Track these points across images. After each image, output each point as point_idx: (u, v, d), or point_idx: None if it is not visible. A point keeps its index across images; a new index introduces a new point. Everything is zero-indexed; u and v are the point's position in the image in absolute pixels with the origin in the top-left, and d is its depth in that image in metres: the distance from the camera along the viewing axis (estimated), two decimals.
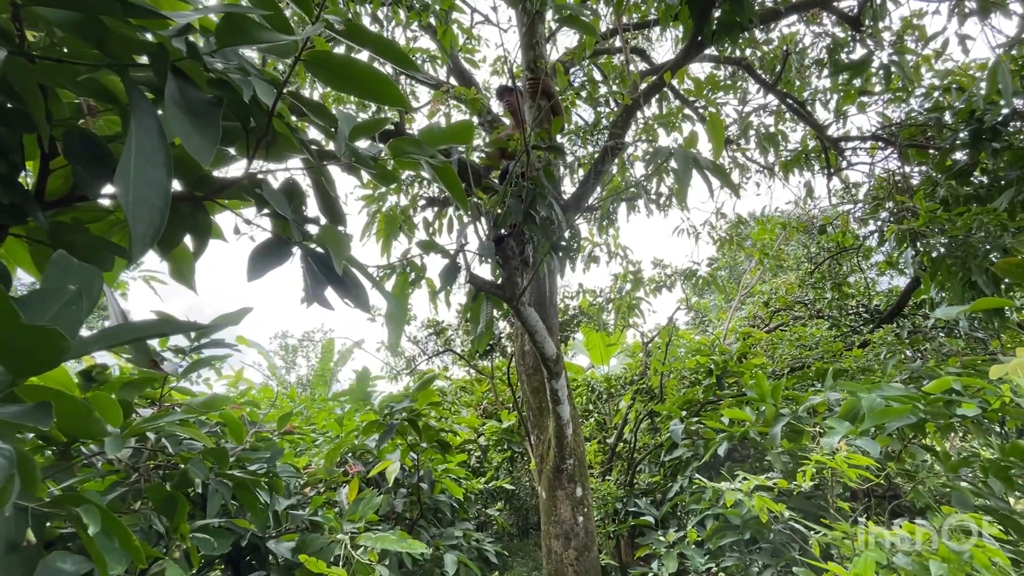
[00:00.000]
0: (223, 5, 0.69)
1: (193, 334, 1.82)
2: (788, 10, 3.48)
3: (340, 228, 1.29)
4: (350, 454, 3.72)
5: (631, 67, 4.77)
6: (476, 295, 2.86)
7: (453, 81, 4.93)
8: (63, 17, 0.63)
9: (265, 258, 1.21)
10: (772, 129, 5.10)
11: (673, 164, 2.28)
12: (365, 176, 1.37)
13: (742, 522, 2.68)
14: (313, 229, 1.25)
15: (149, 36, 0.77)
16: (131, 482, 1.60)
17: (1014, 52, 3.18)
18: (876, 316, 5.78)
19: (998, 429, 2.75)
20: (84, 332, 0.78)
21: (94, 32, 0.64)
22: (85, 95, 0.90)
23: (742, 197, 6.67)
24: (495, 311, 2.98)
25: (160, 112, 0.76)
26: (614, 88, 4.12)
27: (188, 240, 1.30)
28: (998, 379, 2.22)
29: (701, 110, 4.44)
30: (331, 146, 1.34)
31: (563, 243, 2.76)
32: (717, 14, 3.30)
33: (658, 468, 4.85)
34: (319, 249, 1.20)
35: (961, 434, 3.53)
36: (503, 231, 2.79)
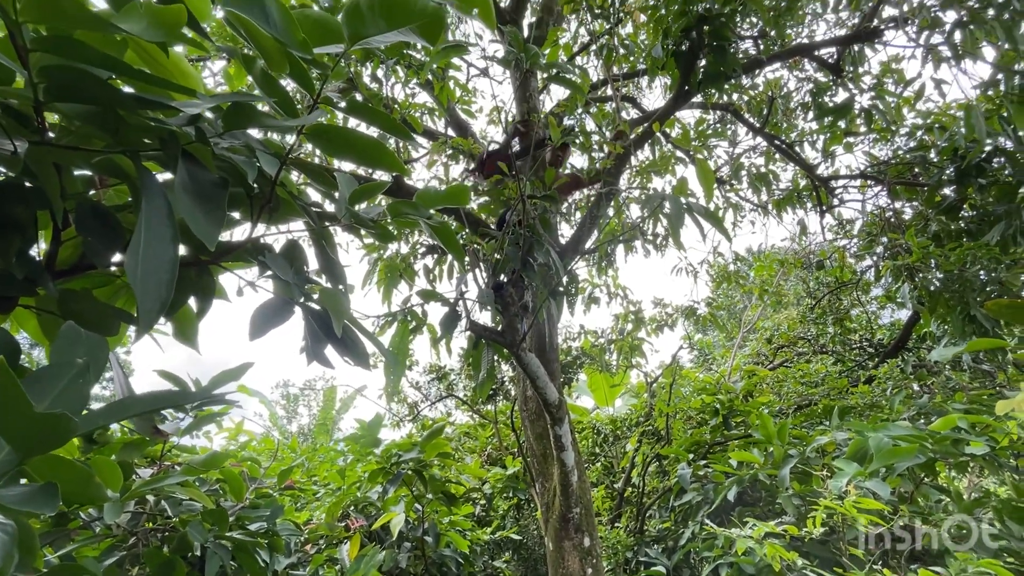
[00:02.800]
0: (232, 94, 0.74)
1: (193, 390, 1.83)
2: (770, 59, 3.63)
3: (340, 287, 1.32)
4: (352, 507, 3.64)
5: (622, 114, 4.94)
6: (477, 342, 2.87)
7: (451, 132, 5.10)
8: (80, 110, 0.68)
9: (267, 318, 1.23)
10: (763, 169, 5.21)
11: (666, 209, 2.34)
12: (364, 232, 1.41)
13: (756, 570, 2.60)
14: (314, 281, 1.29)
15: (161, 115, 0.82)
16: (128, 546, 1.58)
17: (990, 92, 3.29)
18: (880, 350, 5.75)
19: (1013, 463, 2.70)
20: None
21: (109, 123, 0.68)
22: (97, 172, 0.95)
23: (738, 235, 6.77)
24: (496, 357, 2.98)
25: (167, 184, 0.80)
26: (607, 134, 4.25)
27: (192, 301, 1.33)
28: (1005, 414, 2.20)
29: (693, 151, 4.57)
30: (332, 206, 1.39)
31: (561, 289, 2.79)
32: (702, 64, 3.45)
33: (668, 513, 4.72)
34: (320, 308, 1.23)
35: (977, 471, 3.45)
36: (502, 278, 2.83)
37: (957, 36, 2.76)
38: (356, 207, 1.31)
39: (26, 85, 0.67)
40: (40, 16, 0.58)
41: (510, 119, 4.46)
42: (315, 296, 1.25)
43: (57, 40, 0.60)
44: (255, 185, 1.13)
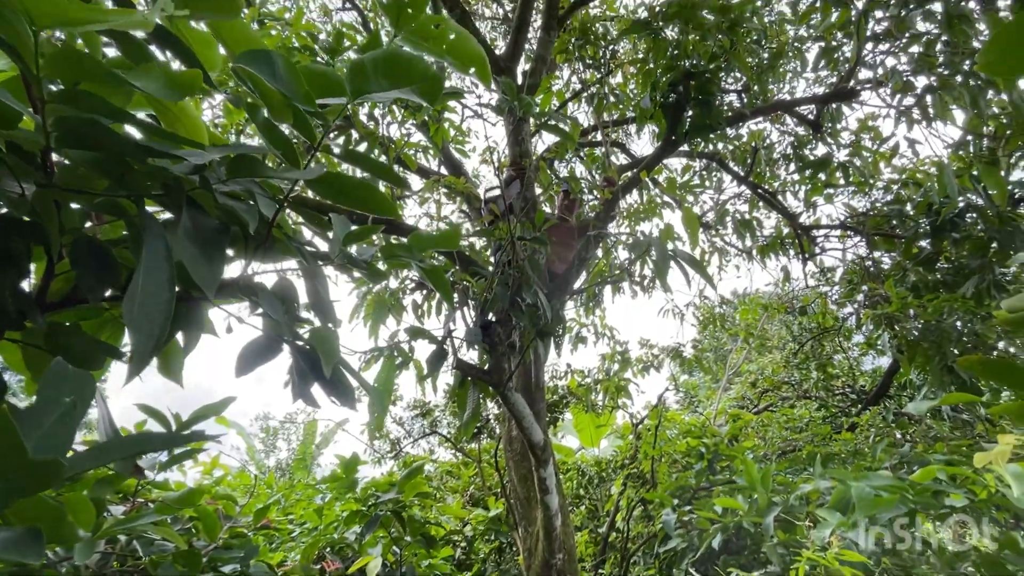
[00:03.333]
0: (237, 146, 0.78)
1: (174, 425, 1.81)
2: (753, 113, 3.80)
3: (330, 325, 1.33)
4: (328, 548, 3.53)
5: (611, 158, 5.08)
6: (463, 380, 2.86)
7: (444, 171, 5.20)
8: (87, 156, 0.71)
9: (255, 355, 1.24)
10: (747, 216, 5.35)
11: (653, 255, 2.40)
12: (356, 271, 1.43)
13: None
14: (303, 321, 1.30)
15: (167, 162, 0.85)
16: None
17: (961, 152, 3.46)
18: (862, 396, 5.81)
19: (994, 513, 2.70)
20: None
21: (116, 169, 0.71)
22: (98, 211, 0.97)
23: (724, 279, 6.88)
24: (482, 396, 2.97)
25: (167, 223, 0.82)
26: (598, 178, 4.37)
27: (179, 336, 1.33)
28: (983, 467, 2.23)
29: (679, 198, 4.70)
30: (324, 244, 1.42)
31: (548, 330, 2.81)
32: (688, 115, 3.59)
33: (653, 560, 4.62)
34: (308, 347, 1.24)
35: (959, 523, 3.45)
36: (490, 317, 2.85)
37: (928, 100, 2.93)
38: (350, 247, 1.34)
39: (36, 130, 0.70)
40: (61, 73, 0.61)
41: (503, 160, 4.58)
42: (303, 332, 1.26)
43: (75, 94, 0.63)
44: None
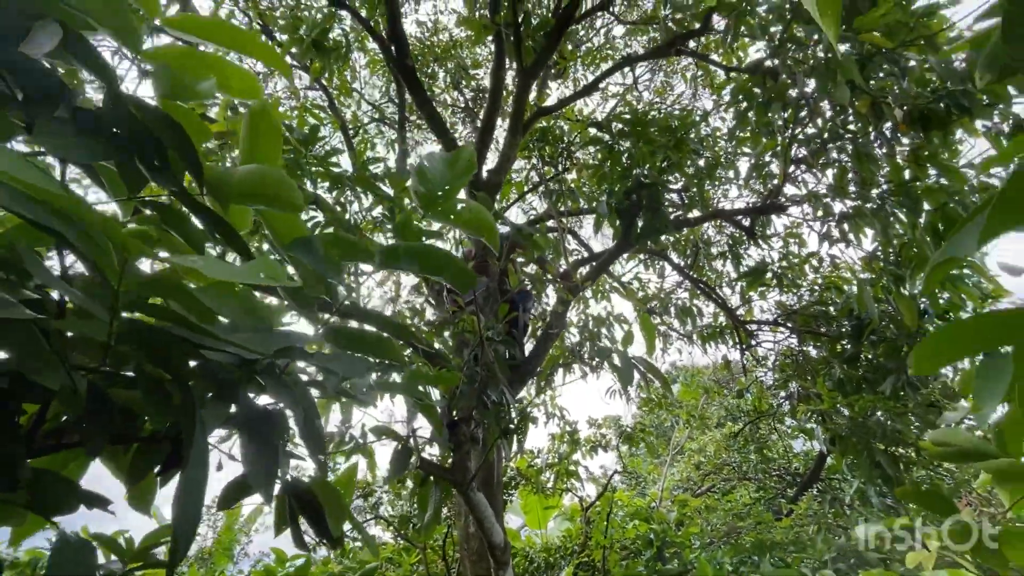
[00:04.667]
0: (287, 335, 0.83)
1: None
2: (696, 220, 4.18)
3: (320, 458, 1.33)
4: None
5: (565, 244, 5.35)
6: (425, 479, 2.81)
7: None
8: (144, 352, 0.74)
9: (240, 492, 1.22)
10: (688, 304, 5.72)
11: (616, 362, 2.54)
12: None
13: None
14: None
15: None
16: None
17: (872, 264, 3.93)
18: (796, 479, 6.09)
19: None
20: None
21: (161, 359, 0.74)
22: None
23: (666, 361, 7.19)
24: (443, 495, 2.91)
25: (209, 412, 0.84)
26: (553, 264, 4.58)
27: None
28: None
29: (636, 306, 4.99)
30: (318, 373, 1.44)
31: (512, 426, 2.85)
32: (639, 219, 3.91)
33: None
34: (300, 488, 1.23)
35: None
36: (455, 415, 2.86)
37: (844, 225, 3.36)
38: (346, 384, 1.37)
39: (103, 330, 0.73)
40: (140, 288, 0.65)
41: (464, 240, 4.71)
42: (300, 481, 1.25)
43: (145, 306, 0.67)
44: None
